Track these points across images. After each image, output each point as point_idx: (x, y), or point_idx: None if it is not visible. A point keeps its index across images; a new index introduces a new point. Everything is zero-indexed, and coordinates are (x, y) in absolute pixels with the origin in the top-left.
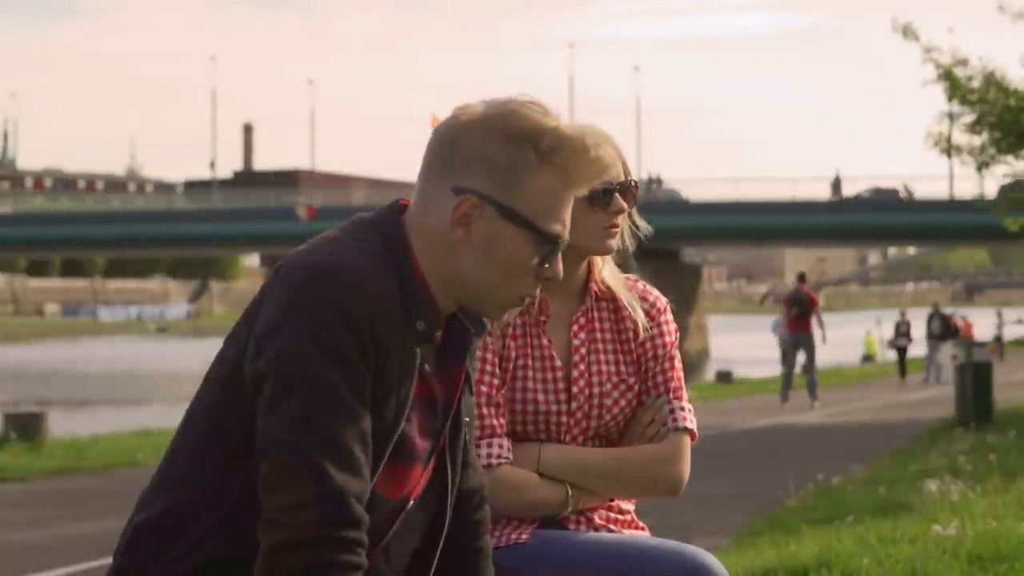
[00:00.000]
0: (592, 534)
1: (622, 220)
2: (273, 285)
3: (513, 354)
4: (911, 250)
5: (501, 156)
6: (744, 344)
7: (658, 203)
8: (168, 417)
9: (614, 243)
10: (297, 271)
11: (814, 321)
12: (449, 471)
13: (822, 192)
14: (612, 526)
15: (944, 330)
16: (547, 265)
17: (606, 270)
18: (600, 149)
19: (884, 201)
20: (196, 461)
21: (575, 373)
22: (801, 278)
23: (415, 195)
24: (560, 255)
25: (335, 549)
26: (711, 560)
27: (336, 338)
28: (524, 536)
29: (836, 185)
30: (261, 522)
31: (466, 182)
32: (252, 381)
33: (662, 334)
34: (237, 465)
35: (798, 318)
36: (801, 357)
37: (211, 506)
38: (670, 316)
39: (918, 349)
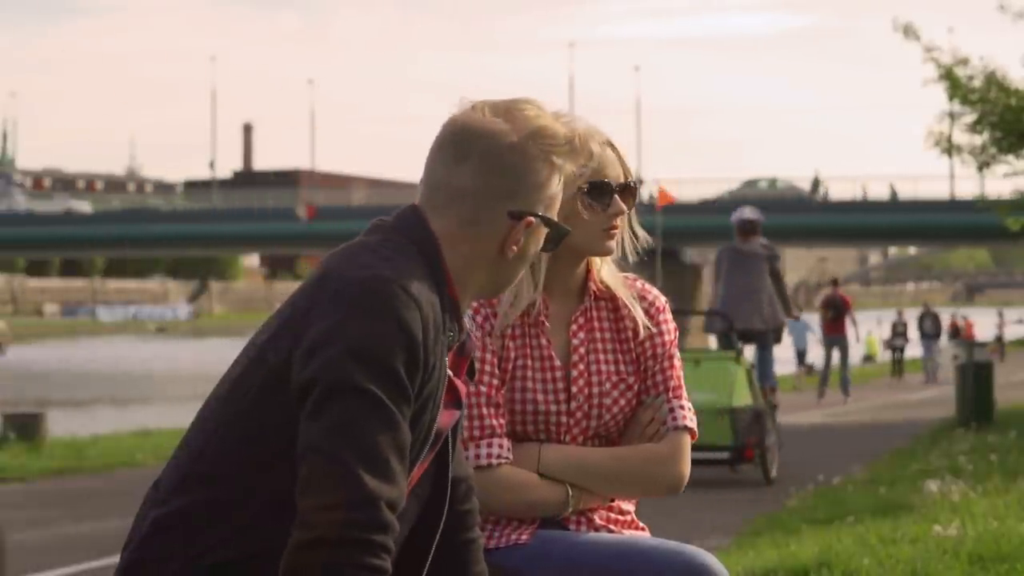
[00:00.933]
0: (592, 534)
1: (621, 222)
2: (322, 296)
3: (512, 354)
4: (911, 250)
5: (544, 177)
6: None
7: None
8: (168, 417)
9: (613, 244)
10: (351, 284)
11: (848, 322)
12: (450, 459)
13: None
14: (612, 526)
15: (936, 328)
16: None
17: (605, 270)
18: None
19: (885, 201)
20: (226, 462)
21: (574, 373)
22: (834, 283)
23: (439, 204)
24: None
25: (358, 551)
26: (711, 560)
27: (389, 351)
28: (524, 536)
29: (815, 186)
30: (295, 521)
31: (521, 206)
32: (300, 387)
33: (661, 333)
34: (269, 468)
35: (833, 320)
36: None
37: (238, 507)
38: (669, 315)
39: (916, 349)
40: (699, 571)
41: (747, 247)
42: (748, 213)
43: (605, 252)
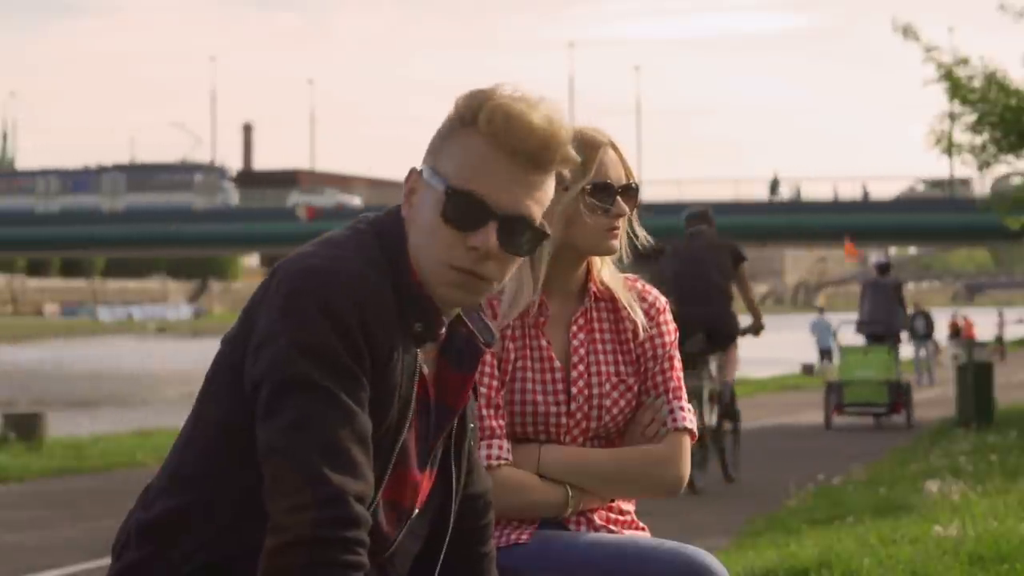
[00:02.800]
0: (592, 534)
1: (623, 224)
2: (268, 290)
3: (512, 355)
4: (911, 250)
5: (443, 128)
6: (744, 344)
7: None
8: (168, 417)
9: (616, 243)
10: (289, 276)
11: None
12: (454, 477)
13: (822, 192)
14: (612, 526)
15: (928, 329)
16: (475, 233)
17: (605, 270)
18: (539, 116)
19: (886, 201)
20: (207, 462)
21: (574, 374)
22: None
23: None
24: (501, 229)
25: (334, 549)
26: (711, 560)
27: (326, 341)
28: (524, 536)
29: (774, 186)
30: (268, 526)
31: (431, 162)
32: (251, 384)
33: (661, 334)
34: (248, 466)
35: None
36: None
37: (221, 506)
38: (669, 316)
39: (906, 350)
40: (699, 571)
41: (882, 280)
42: (883, 259)
43: (607, 251)
